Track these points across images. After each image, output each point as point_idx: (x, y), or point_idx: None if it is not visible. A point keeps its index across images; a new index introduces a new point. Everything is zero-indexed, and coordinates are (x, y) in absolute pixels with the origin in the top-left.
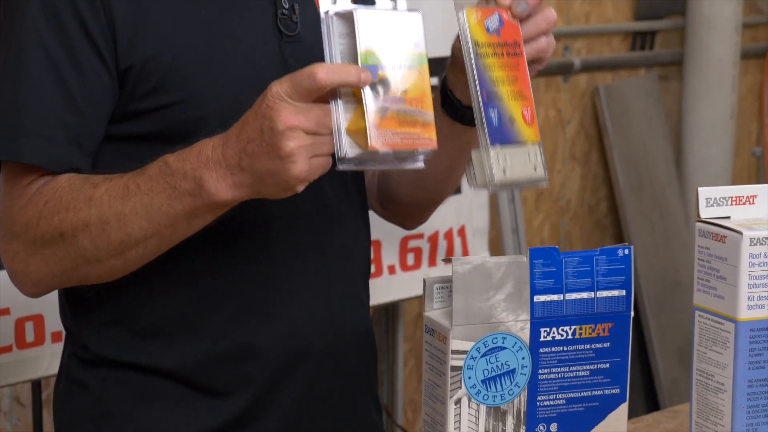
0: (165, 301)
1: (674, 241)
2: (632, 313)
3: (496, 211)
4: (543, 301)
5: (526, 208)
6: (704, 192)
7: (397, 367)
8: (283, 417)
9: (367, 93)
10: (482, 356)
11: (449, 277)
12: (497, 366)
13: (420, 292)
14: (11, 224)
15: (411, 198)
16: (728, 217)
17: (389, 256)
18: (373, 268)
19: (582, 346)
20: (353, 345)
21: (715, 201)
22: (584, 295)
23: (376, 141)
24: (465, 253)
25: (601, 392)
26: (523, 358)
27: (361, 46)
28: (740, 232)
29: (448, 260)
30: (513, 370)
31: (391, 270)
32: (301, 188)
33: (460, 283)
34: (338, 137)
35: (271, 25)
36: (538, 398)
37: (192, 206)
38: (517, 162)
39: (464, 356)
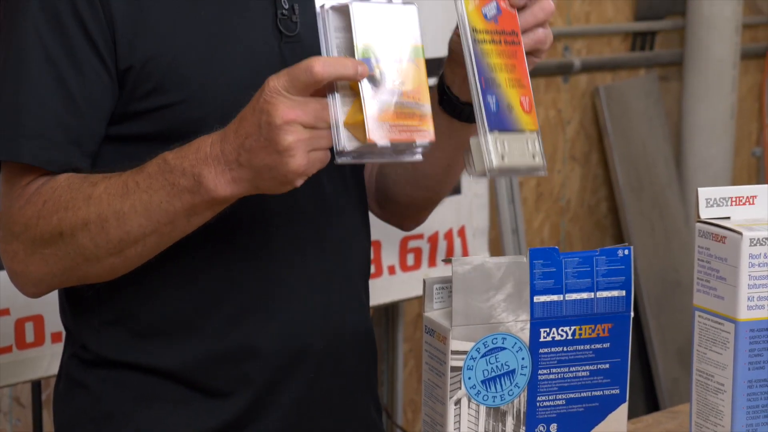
0: (164, 300)
1: (674, 241)
2: (632, 314)
3: (496, 212)
4: (543, 302)
5: (526, 208)
6: (704, 192)
7: (396, 367)
8: (283, 417)
9: (364, 86)
10: (482, 357)
11: (449, 278)
12: (497, 366)
13: (420, 292)
14: (10, 224)
15: (408, 197)
16: (728, 218)
17: (389, 256)
18: (373, 269)
19: (582, 347)
20: (353, 345)
21: (715, 201)
22: (584, 295)
23: (374, 134)
24: (465, 253)
25: (601, 393)
26: (522, 359)
27: (358, 40)
28: (740, 233)
29: (448, 261)
30: (513, 371)
31: (391, 270)
32: (299, 182)
33: (460, 284)
34: (336, 131)
35: (271, 26)
36: (538, 399)
37: (191, 203)
38: (515, 149)
39: (464, 357)
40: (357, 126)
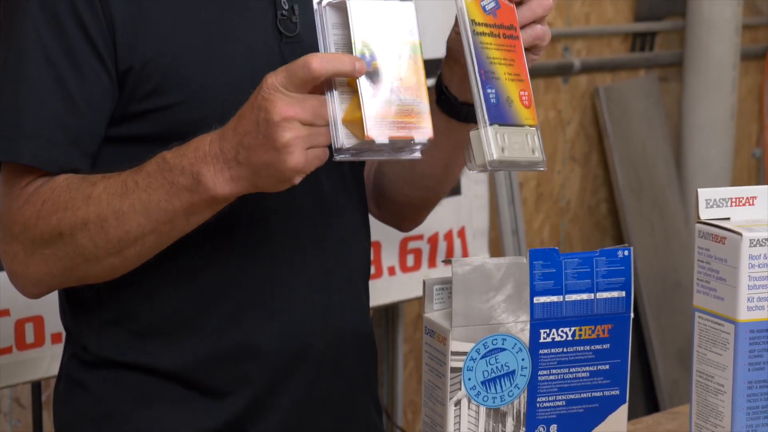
0: (164, 300)
1: (674, 242)
2: (632, 315)
3: (496, 212)
4: (543, 303)
5: (526, 209)
6: (704, 193)
7: (396, 368)
8: (282, 418)
9: (362, 83)
10: (482, 357)
11: (449, 279)
12: (497, 367)
13: (420, 293)
14: (10, 225)
15: (406, 197)
16: (728, 219)
17: (389, 257)
18: (373, 270)
19: (582, 348)
20: (353, 345)
21: (714, 202)
22: (584, 296)
23: (372, 130)
24: (465, 254)
25: (601, 393)
26: (522, 360)
27: (355, 36)
28: (740, 234)
29: (447, 261)
30: (513, 372)
31: (391, 271)
32: (298, 180)
33: (459, 285)
34: (334, 128)
35: (270, 26)
36: (538, 399)
37: (190, 202)
38: (515, 142)
39: (464, 357)
40: (355, 123)
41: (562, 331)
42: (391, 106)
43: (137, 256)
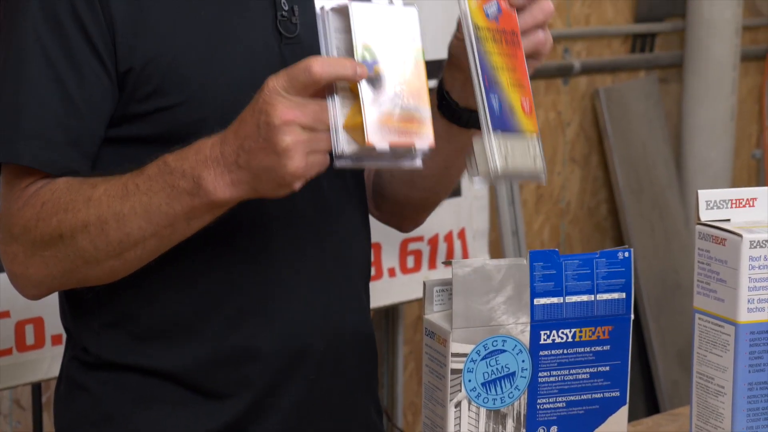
0: (164, 303)
1: (674, 243)
2: (632, 316)
3: (496, 214)
4: (543, 304)
5: (526, 210)
6: (704, 194)
7: (397, 369)
8: (282, 419)
9: (363, 88)
10: (482, 359)
11: (449, 280)
12: (497, 369)
13: (420, 294)
14: (10, 226)
15: (405, 197)
16: (728, 220)
17: (389, 258)
18: (373, 271)
19: (582, 349)
20: (353, 347)
21: (715, 203)
22: (584, 297)
23: (373, 136)
24: (465, 255)
25: (601, 395)
26: (523, 361)
27: (357, 41)
28: (740, 235)
29: (448, 263)
30: (513, 373)
31: (391, 273)
32: (298, 185)
33: (460, 286)
34: (335, 133)
35: (270, 27)
36: (538, 401)
37: (190, 205)
38: (518, 152)
39: (464, 359)
40: (356, 128)
41: (563, 332)
42: (392, 112)
43: (138, 259)
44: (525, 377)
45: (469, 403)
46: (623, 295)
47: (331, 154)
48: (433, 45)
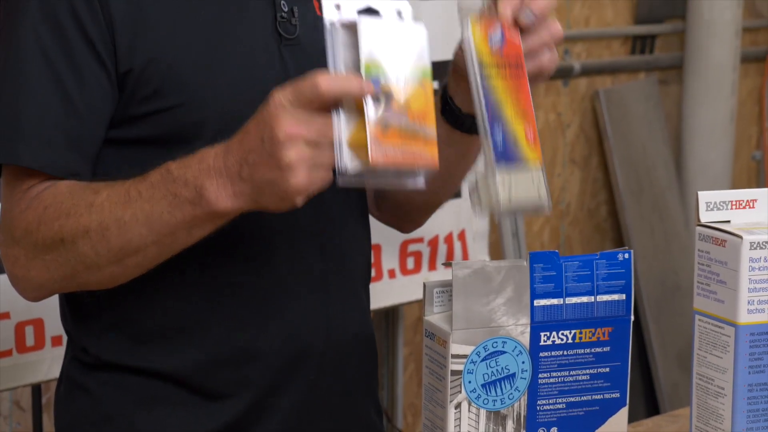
0: (165, 306)
1: (674, 244)
2: (632, 317)
3: None
4: (543, 305)
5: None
6: (704, 196)
7: (397, 371)
8: (283, 420)
9: (369, 105)
10: (482, 360)
11: (449, 281)
12: (497, 370)
13: (420, 296)
14: (12, 229)
15: (407, 199)
16: (728, 221)
17: (389, 260)
18: (373, 272)
19: (582, 350)
20: (354, 347)
21: (715, 205)
22: (584, 299)
23: (376, 155)
24: (465, 257)
25: (601, 396)
26: (523, 362)
27: (365, 57)
28: (740, 236)
29: (448, 264)
30: (513, 375)
31: (391, 274)
32: (300, 201)
33: (460, 287)
34: (339, 149)
35: (270, 28)
36: (538, 402)
37: (192, 215)
38: (521, 188)
39: (464, 360)
40: (360, 146)
41: (563, 334)
42: (397, 130)
43: (138, 265)
44: (525, 378)
45: (469, 405)
46: (623, 296)
47: (334, 169)
48: (433, 45)
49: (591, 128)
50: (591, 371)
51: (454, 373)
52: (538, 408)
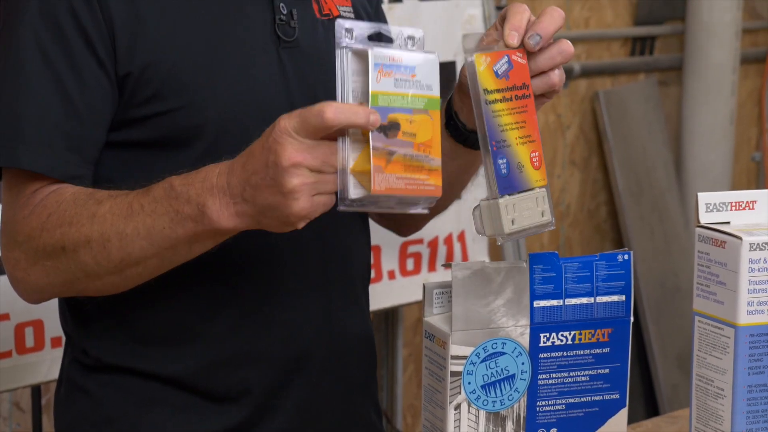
0: (165, 309)
1: (674, 246)
2: (632, 319)
3: None
4: (542, 307)
5: None
6: (704, 197)
7: (396, 372)
8: (283, 422)
9: (374, 135)
10: (482, 361)
11: (449, 283)
12: (497, 371)
13: (420, 297)
14: (14, 233)
15: None
16: (728, 223)
17: (389, 261)
18: (372, 274)
19: (581, 352)
20: (353, 349)
21: (714, 206)
22: (584, 300)
23: (379, 185)
24: (465, 258)
25: (601, 397)
26: (522, 364)
27: (372, 88)
28: (740, 238)
29: (447, 265)
30: (512, 376)
31: (391, 275)
32: (301, 225)
33: (459, 289)
34: (343, 177)
35: (269, 31)
36: (538, 403)
37: (193, 231)
38: (525, 211)
39: (464, 361)
40: (364, 174)
41: (562, 335)
42: (401, 160)
43: (138, 276)
44: (524, 380)
45: (469, 406)
46: (623, 297)
47: (336, 194)
48: (433, 46)
49: (591, 129)
50: (591, 372)
51: (454, 374)
52: (537, 409)
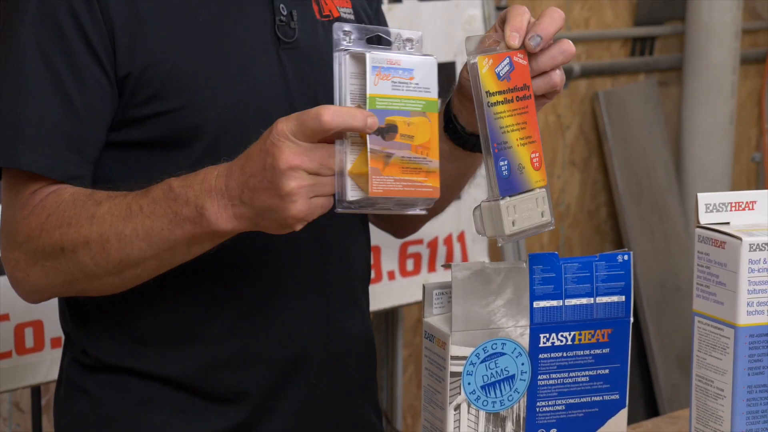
0: (164, 309)
1: (674, 246)
2: (632, 319)
3: None
4: (542, 307)
5: None
6: (704, 198)
7: (396, 372)
8: (283, 423)
9: (371, 138)
10: (482, 362)
11: (449, 283)
12: (497, 372)
13: (419, 297)
14: (14, 233)
15: None
16: (728, 223)
17: (389, 261)
18: (372, 274)
19: (581, 352)
20: (353, 350)
21: (714, 207)
22: (584, 300)
23: (377, 187)
24: (464, 258)
25: (601, 398)
26: (522, 364)
27: (370, 91)
28: (740, 238)
29: (447, 266)
30: (512, 376)
31: (391, 276)
32: (299, 227)
33: (459, 289)
34: (340, 179)
35: (269, 32)
36: (538, 404)
37: (192, 233)
38: (525, 212)
39: (463, 362)
40: (361, 177)
41: (562, 335)
42: (399, 163)
43: (137, 277)
44: (524, 380)
45: (469, 406)
46: (623, 298)
47: (334, 195)
48: (433, 46)
49: (591, 130)
50: (590, 373)
51: (454, 374)
52: (537, 409)
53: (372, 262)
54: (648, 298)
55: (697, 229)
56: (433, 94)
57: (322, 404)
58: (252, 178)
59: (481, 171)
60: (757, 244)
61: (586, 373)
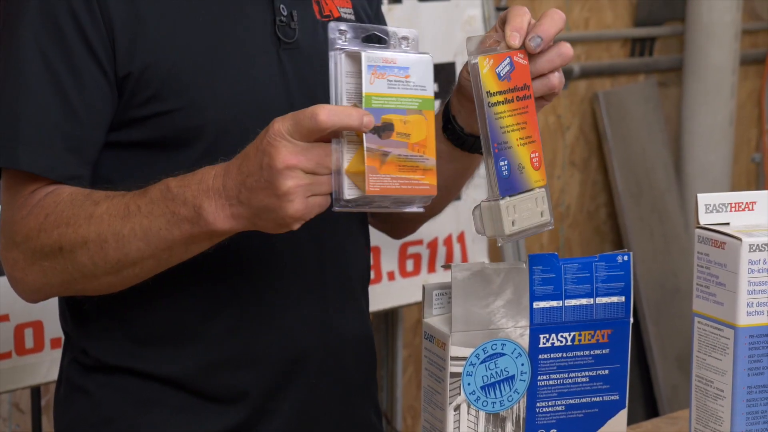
0: (164, 309)
1: (673, 247)
2: (631, 320)
3: None
4: (542, 308)
5: None
6: (703, 198)
7: (396, 373)
8: (283, 423)
9: (368, 136)
10: (481, 362)
11: (448, 284)
12: (496, 372)
13: (419, 298)
14: (12, 233)
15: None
16: (727, 224)
17: (388, 262)
18: (372, 275)
19: (581, 353)
20: (353, 350)
21: (714, 207)
22: (583, 301)
23: (374, 186)
24: (464, 259)
25: (601, 398)
26: (522, 365)
27: (366, 89)
28: (739, 239)
29: (447, 266)
30: (512, 377)
31: (391, 276)
32: (296, 226)
33: (459, 290)
34: (337, 178)
35: (269, 32)
36: (538, 404)
37: (190, 233)
38: (525, 212)
39: (463, 362)
40: (358, 175)
41: (562, 336)
42: (395, 161)
43: (135, 276)
44: (524, 381)
45: (468, 407)
46: (622, 298)
47: (332, 194)
48: (432, 47)
49: (590, 130)
50: (590, 373)
51: (453, 375)
52: (537, 410)
53: (372, 262)
54: (648, 298)
55: (697, 230)
56: (429, 92)
57: (322, 404)
58: (249, 178)
59: (480, 171)
60: (757, 245)
61: (586, 373)
